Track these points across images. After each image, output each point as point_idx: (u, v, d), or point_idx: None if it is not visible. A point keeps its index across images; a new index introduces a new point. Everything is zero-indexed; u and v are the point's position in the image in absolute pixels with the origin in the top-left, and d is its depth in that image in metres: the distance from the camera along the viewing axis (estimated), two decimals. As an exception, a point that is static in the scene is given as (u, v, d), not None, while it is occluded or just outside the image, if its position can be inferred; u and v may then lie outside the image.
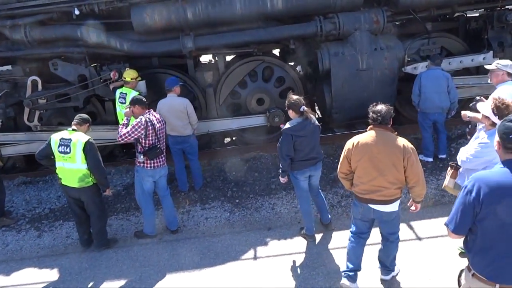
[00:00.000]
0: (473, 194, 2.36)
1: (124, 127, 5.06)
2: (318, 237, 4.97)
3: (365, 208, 3.76)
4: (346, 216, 5.35)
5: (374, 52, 6.62)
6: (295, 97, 4.61)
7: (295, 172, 4.68)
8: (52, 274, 4.86)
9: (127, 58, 6.85)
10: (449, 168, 4.21)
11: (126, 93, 6.29)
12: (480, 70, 7.56)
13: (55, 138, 4.91)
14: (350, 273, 3.95)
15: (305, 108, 4.55)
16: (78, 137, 4.84)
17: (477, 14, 7.74)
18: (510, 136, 2.33)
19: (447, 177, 4.19)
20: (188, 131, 6.19)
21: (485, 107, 3.57)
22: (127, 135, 4.95)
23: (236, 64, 7.38)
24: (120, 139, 5.01)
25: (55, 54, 6.71)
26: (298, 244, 4.87)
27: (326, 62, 6.65)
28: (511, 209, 2.31)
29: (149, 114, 5.08)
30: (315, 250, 4.70)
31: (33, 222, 5.98)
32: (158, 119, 5.17)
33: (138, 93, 6.29)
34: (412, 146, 3.59)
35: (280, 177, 4.80)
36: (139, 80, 6.54)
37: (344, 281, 3.95)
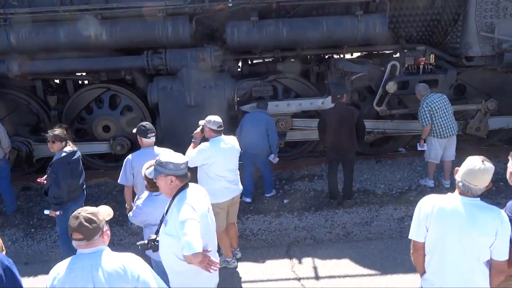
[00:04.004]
0: None
1: None
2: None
3: None
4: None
5: (202, 90, 6.66)
6: (59, 130, 4.83)
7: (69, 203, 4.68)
8: None
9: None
10: None
11: None
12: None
13: None
14: None
15: (70, 142, 4.82)
16: None
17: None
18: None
19: None
20: (-2, 154, 6.20)
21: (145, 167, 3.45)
22: None
23: (82, 90, 7.40)
24: None
25: None
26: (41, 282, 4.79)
27: (154, 96, 6.69)
28: None
29: None
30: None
31: None
32: None
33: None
34: None
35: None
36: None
37: None
